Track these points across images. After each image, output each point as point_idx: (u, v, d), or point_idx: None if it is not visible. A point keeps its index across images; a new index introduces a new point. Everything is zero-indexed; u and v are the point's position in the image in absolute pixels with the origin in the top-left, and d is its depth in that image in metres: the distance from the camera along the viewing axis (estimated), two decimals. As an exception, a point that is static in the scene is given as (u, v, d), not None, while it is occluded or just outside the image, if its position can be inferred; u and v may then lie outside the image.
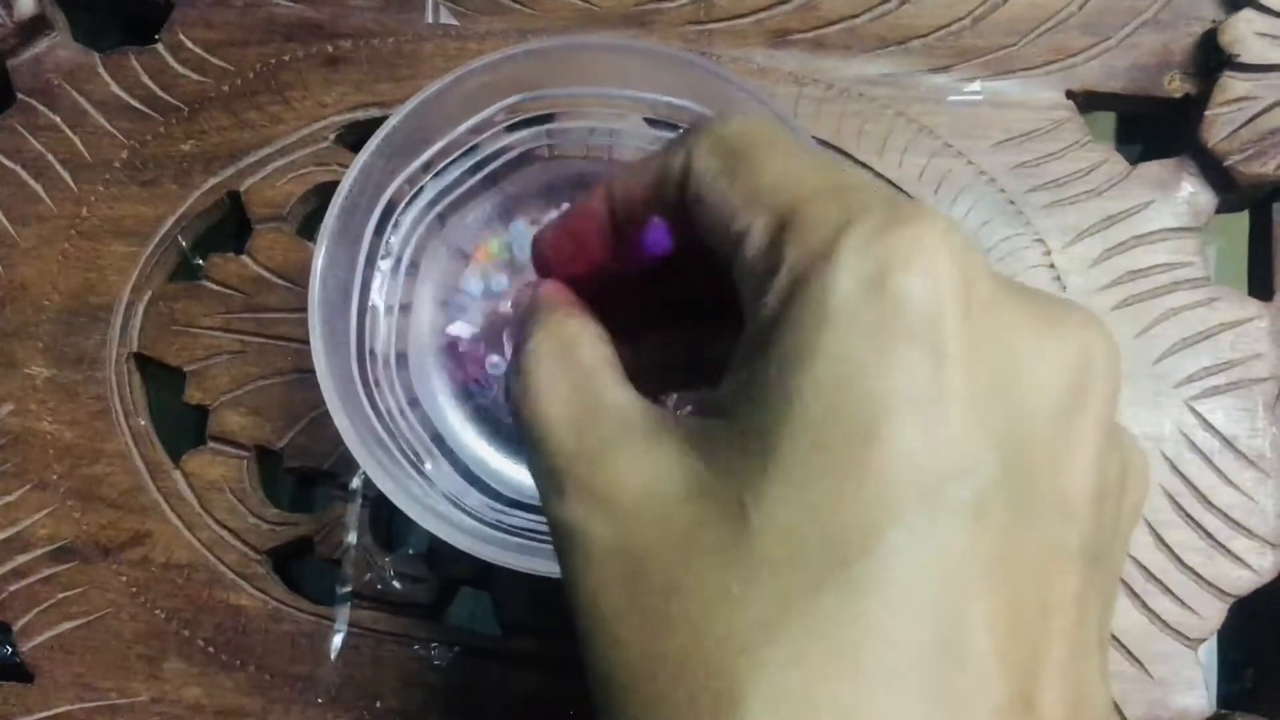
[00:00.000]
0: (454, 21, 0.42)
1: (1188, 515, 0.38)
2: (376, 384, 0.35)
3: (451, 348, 0.37)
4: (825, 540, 0.17)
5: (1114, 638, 0.37)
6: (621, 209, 0.23)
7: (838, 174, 0.19)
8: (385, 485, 0.31)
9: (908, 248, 0.17)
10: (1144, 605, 0.37)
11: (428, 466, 0.35)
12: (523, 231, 0.37)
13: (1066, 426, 0.18)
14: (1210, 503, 0.38)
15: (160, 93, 0.42)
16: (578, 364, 0.21)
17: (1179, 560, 0.38)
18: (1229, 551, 0.38)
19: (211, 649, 0.38)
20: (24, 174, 0.41)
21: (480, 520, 0.33)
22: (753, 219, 0.19)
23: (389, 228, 0.35)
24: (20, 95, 0.42)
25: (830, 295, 0.17)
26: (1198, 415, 0.39)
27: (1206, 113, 0.40)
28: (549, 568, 0.30)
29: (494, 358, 0.36)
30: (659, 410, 0.20)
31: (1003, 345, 0.18)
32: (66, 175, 0.41)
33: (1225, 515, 0.38)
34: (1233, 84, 0.40)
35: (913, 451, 0.17)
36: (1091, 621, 0.18)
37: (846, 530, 0.17)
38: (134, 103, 0.42)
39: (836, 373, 0.17)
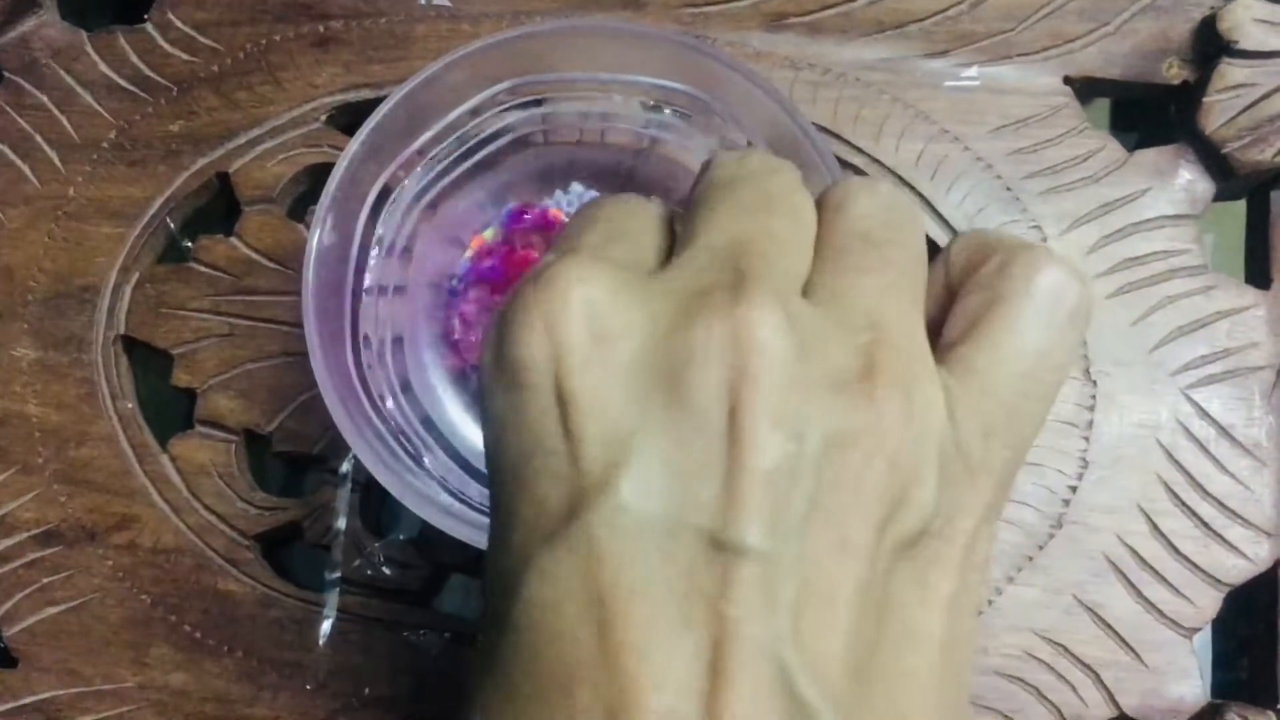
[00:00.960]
0: (446, 2, 0.42)
1: (1183, 504, 0.38)
2: (369, 368, 0.35)
3: (447, 334, 0.37)
4: (498, 584, 0.19)
5: (1108, 625, 0.37)
6: None
7: (587, 228, 0.21)
8: (378, 471, 0.31)
9: (520, 308, 0.19)
10: (1139, 594, 0.37)
11: (424, 455, 0.34)
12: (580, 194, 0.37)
13: (713, 424, 0.18)
14: (1206, 491, 0.38)
15: (149, 72, 0.42)
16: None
17: (1174, 549, 0.38)
18: (1224, 540, 0.38)
19: (198, 634, 0.38)
20: (10, 154, 0.41)
21: (473, 507, 0.33)
22: None
23: (382, 213, 0.35)
24: (6, 74, 0.42)
25: (482, 371, 0.20)
26: (1194, 404, 0.39)
27: (1204, 99, 0.40)
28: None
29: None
30: None
31: (634, 362, 0.18)
32: (54, 155, 0.41)
33: (1221, 504, 0.38)
34: (1231, 71, 0.40)
35: (545, 491, 0.18)
36: (779, 614, 0.17)
37: (506, 577, 0.19)
38: (122, 82, 0.42)
39: (494, 433, 0.20)
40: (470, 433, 0.37)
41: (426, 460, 0.35)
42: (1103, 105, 0.47)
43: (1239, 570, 0.38)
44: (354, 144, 0.33)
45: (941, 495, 0.19)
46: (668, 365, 0.18)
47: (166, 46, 0.42)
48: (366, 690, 0.37)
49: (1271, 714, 0.36)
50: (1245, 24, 0.40)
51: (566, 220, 0.36)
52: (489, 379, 0.19)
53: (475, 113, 0.36)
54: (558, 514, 0.18)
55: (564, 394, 0.18)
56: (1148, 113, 0.44)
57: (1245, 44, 0.40)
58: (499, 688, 0.18)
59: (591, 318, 0.18)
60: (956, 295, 0.21)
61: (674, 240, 0.22)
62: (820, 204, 0.22)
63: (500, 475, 0.20)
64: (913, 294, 0.21)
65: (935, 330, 0.22)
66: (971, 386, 0.20)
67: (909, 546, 0.19)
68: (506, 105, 0.36)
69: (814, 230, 0.21)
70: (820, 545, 0.18)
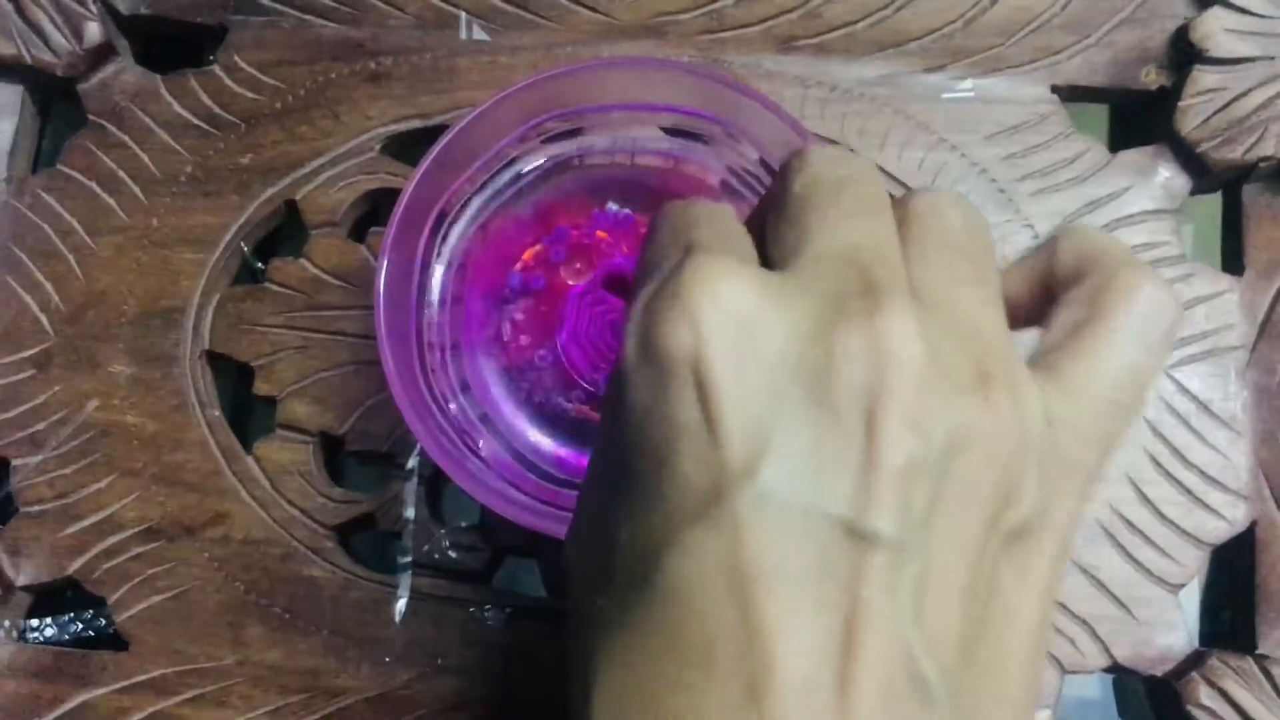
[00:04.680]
0: (486, 37, 0.46)
1: (1167, 473, 0.42)
2: (433, 372, 0.39)
3: (499, 338, 0.41)
4: (633, 559, 0.20)
5: (1102, 584, 0.41)
6: None
7: (674, 239, 0.22)
8: (445, 464, 0.35)
9: (668, 301, 0.20)
10: (1129, 555, 0.41)
11: (482, 448, 0.38)
12: (615, 212, 0.41)
13: (854, 426, 0.19)
14: (1188, 461, 0.42)
15: (219, 111, 0.46)
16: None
17: (1160, 514, 0.41)
18: (1206, 505, 0.41)
19: (288, 616, 0.42)
20: (98, 189, 0.45)
21: (529, 495, 0.37)
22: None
23: (440, 234, 0.39)
24: (91, 116, 0.46)
25: (623, 359, 0.21)
26: (1175, 382, 0.42)
27: (1180, 104, 0.43)
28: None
29: (541, 350, 0.40)
30: None
31: (776, 362, 0.19)
32: (137, 190, 0.45)
33: (1202, 472, 0.42)
34: (1203, 76, 0.43)
35: (688, 474, 0.19)
36: (904, 597, 0.19)
37: (645, 552, 0.20)
38: (195, 120, 0.46)
39: (636, 418, 0.20)
40: (522, 427, 0.41)
41: (485, 453, 0.39)
42: (1101, 111, 0.50)
43: (1219, 531, 0.41)
44: (414, 176, 0.37)
45: (1040, 493, 0.20)
46: (809, 366, 0.19)
47: (234, 86, 0.46)
48: (439, 660, 0.41)
49: (1250, 659, 0.40)
50: (1216, 33, 0.43)
51: (610, 238, 0.40)
52: (631, 368, 0.20)
53: (519, 143, 0.40)
54: (701, 496, 0.19)
55: (708, 383, 0.19)
56: (1138, 117, 0.47)
57: (1216, 51, 0.43)
58: (632, 657, 0.19)
59: (736, 313, 0.19)
60: (1058, 298, 0.23)
61: (758, 240, 0.23)
62: (904, 210, 0.22)
63: (639, 460, 0.20)
64: (1001, 307, 0.22)
65: (1020, 316, 0.24)
66: (1068, 394, 0.21)
67: (1014, 539, 0.20)
68: (546, 136, 0.40)
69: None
70: (941, 536, 0.19)
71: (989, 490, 0.20)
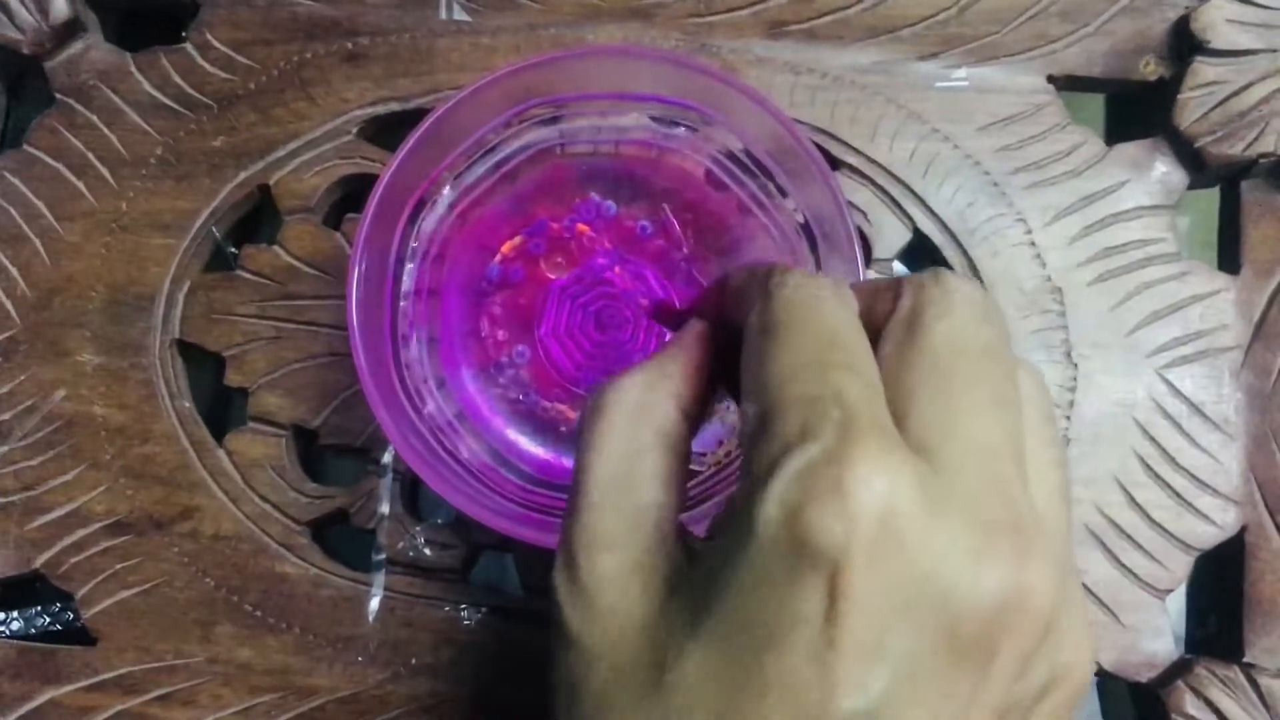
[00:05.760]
0: (466, 18, 0.44)
1: (1157, 476, 0.41)
2: (408, 366, 0.38)
3: (476, 332, 0.40)
4: (703, 698, 0.20)
5: (1088, 588, 0.40)
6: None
7: (825, 375, 0.20)
8: (415, 463, 0.34)
9: (826, 486, 0.19)
10: (1115, 559, 0.40)
11: (459, 447, 0.37)
12: (597, 203, 0.40)
13: (973, 660, 0.19)
14: (1178, 464, 0.41)
15: (191, 91, 0.44)
16: (642, 432, 0.24)
17: (1149, 518, 0.41)
18: (1195, 509, 0.41)
19: (259, 613, 0.41)
20: (66, 171, 0.44)
21: (506, 497, 0.36)
22: (749, 405, 0.21)
23: (417, 223, 0.38)
24: (58, 95, 0.45)
25: (757, 517, 0.19)
26: (1168, 383, 0.42)
27: (1179, 96, 0.42)
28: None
29: (520, 346, 0.39)
30: (672, 523, 0.23)
31: (916, 578, 0.19)
32: (106, 172, 0.44)
33: (1192, 475, 0.41)
34: (1204, 69, 0.42)
35: (797, 669, 0.19)
36: None
37: (724, 713, 0.19)
38: (166, 101, 0.44)
39: (752, 584, 0.19)
40: (499, 426, 0.40)
41: (463, 453, 0.38)
42: (1095, 100, 0.49)
43: (1208, 536, 0.41)
44: (392, 163, 0.35)
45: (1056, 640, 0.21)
46: (950, 597, 0.19)
47: (206, 66, 0.44)
48: (413, 660, 0.41)
49: (1236, 667, 0.39)
50: (1218, 24, 0.42)
51: (591, 231, 0.39)
52: (763, 532, 0.19)
53: (499, 130, 0.38)
54: (806, 698, 0.19)
55: (842, 586, 0.18)
56: (1138, 107, 0.46)
57: (1217, 43, 0.42)
58: None
59: (892, 517, 0.19)
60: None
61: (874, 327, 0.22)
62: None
63: (736, 620, 0.20)
64: None
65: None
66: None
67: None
68: (527, 122, 0.39)
69: None
70: None
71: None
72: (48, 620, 0.43)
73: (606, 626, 0.22)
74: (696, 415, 0.25)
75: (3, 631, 0.43)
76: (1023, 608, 0.19)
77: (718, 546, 0.21)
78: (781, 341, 0.21)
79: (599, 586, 0.22)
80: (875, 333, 0.22)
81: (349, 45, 0.44)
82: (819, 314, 0.22)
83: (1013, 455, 0.20)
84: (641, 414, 0.24)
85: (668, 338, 0.34)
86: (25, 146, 0.44)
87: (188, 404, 0.43)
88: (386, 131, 0.45)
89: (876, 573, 0.19)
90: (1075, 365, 0.42)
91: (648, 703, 0.20)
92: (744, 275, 0.25)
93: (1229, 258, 0.43)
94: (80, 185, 0.44)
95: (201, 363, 0.44)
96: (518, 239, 0.40)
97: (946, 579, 0.19)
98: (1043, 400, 0.23)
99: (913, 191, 0.43)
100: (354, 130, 0.44)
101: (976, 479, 0.20)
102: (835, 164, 0.43)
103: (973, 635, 0.19)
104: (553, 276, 0.39)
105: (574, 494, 0.24)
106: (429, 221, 0.39)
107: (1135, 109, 0.46)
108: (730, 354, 0.25)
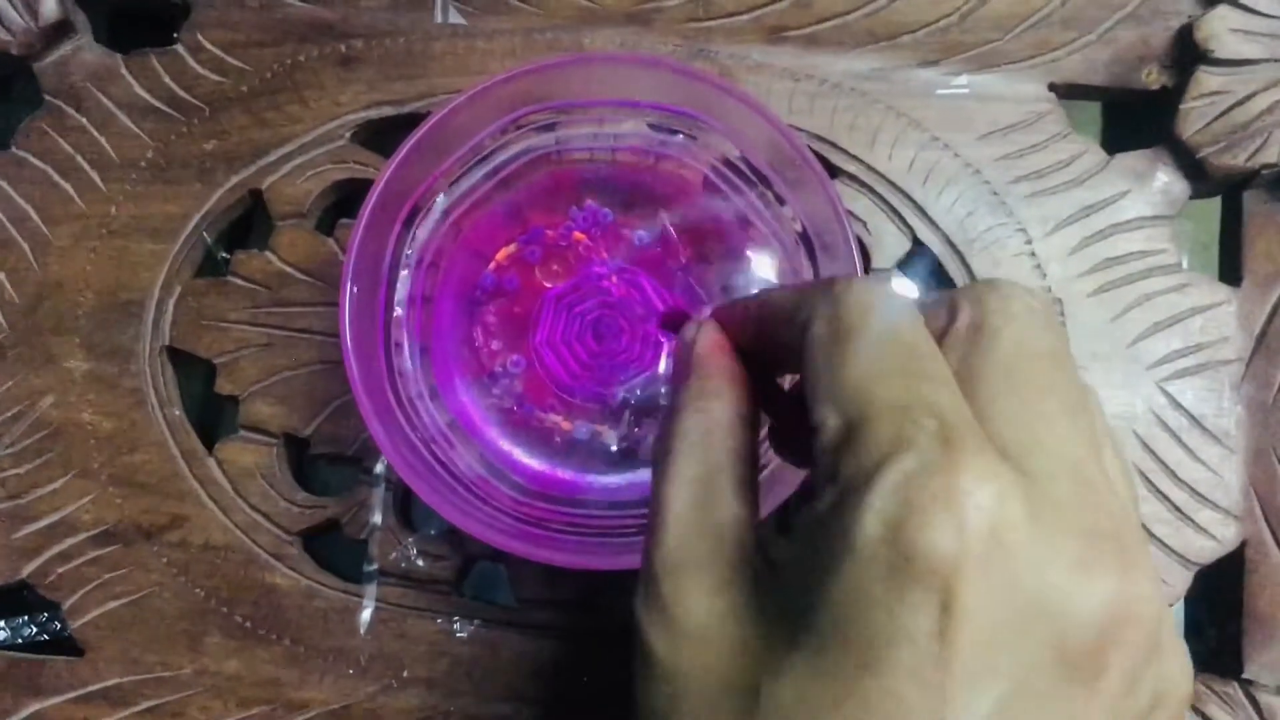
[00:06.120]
0: (462, 21, 0.44)
1: (1157, 490, 0.41)
2: (401, 375, 0.38)
3: (470, 341, 0.39)
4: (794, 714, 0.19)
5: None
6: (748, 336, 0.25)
7: (912, 384, 0.20)
8: (406, 474, 0.33)
9: (932, 498, 0.18)
10: (1115, 574, 0.40)
11: (452, 457, 0.37)
12: (594, 210, 0.39)
13: (1083, 675, 0.19)
14: (1178, 478, 0.41)
15: (182, 93, 0.44)
16: (711, 456, 0.23)
17: (1148, 532, 0.40)
18: (1195, 523, 0.40)
19: (249, 624, 0.41)
20: (54, 174, 0.43)
21: (499, 509, 0.36)
22: (827, 416, 0.20)
23: (412, 230, 0.37)
24: (47, 97, 0.44)
25: (855, 530, 0.19)
26: (1168, 395, 0.41)
27: (1181, 106, 0.42)
28: (568, 560, 0.33)
29: (514, 355, 0.38)
30: (752, 535, 0.23)
31: (1024, 592, 0.18)
32: (95, 175, 0.43)
33: (1192, 489, 0.41)
34: (1207, 78, 0.42)
35: (901, 690, 0.18)
36: None
37: None
38: (157, 103, 0.44)
39: (851, 599, 0.19)
40: (493, 436, 0.40)
41: (456, 463, 0.38)
42: (1093, 109, 0.48)
43: (1208, 551, 0.40)
44: (386, 169, 0.35)
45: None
46: (1065, 616, 0.18)
47: (197, 68, 0.44)
48: (405, 673, 0.40)
49: (1236, 683, 0.39)
50: (1221, 33, 0.42)
51: (588, 239, 0.39)
52: (866, 547, 0.19)
53: (495, 136, 0.38)
54: (921, 711, 0.18)
55: (956, 604, 0.18)
56: (1134, 116, 0.46)
57: (1221, 52, 0.42)
58: None
59: (1001, 531, 0.18)
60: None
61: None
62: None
63: (838, 643, 0.19)
64: None
65: None
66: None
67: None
68: (524, 129, 0.38)
69: None
70: None
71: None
72: (35, 630, 0.43)
73: (694, 652, 0.21)
74: (756, 419, 0.25)
75: (-11, 641, 0.42)
76: (1131, 619, 0.19)
77: (805, 559, 0.20)
78: (858, 347, 0.21)
79: (685, 610, 0.21)
80: None
81: (343, 48, 0.44)
82: (893, 319, 0.21)
83: (1097, 462, 0.20)
84: (710, 435, 0.23)
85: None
86: (13, 149, 0.44)
87: (178, 412, 0.42)
88: (380, 136, 0.44)
89: (988, 587, 0.18)
90: (1075, 377, 0.41)
91: None
92: (789, 290, 0.24)
93: (1230, 270, 0.43)
94: (69, 188, 0.43)
95: (192, 370, 0.43)
96: (513, 246, 0.39)
97: (1054, 592, 0.18)
98: (1100, 408, 0.23)
99: (912, 200, 0.42)
100: (347, 134, 0.43)
101: (1071, 488, 0.19)
102: (834, 172, 0.43)
103: (1082, 649, 0.18)
104: (548, 285, 0.39)
105: (653, 518, 0.23)
106: (423, 228, 0.38)
107: (1131, 118, 0.46)
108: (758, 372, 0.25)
